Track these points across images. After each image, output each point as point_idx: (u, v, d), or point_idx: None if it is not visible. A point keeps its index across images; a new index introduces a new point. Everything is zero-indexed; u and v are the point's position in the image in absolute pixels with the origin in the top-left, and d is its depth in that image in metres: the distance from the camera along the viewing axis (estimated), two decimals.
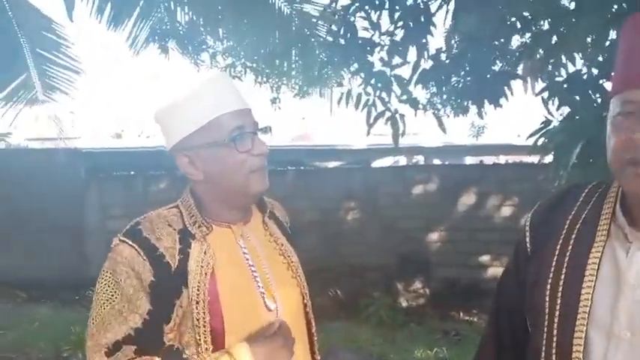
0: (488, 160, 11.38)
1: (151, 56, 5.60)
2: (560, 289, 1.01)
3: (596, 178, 1.12)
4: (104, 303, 1.12)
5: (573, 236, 1.04)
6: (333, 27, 3.14)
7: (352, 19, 2.89)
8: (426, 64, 2.75)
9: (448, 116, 3.57)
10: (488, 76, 2.84)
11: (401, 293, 6.36)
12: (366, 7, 2.86)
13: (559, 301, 1.00)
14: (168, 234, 1.14)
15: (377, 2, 2.79)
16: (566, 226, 1.06)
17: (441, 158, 11.41)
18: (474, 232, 6.61)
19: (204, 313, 1.11)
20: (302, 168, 7.65)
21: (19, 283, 5.95)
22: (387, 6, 2.89)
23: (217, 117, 1.13)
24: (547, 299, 1.02)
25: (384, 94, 2.91)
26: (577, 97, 2.43)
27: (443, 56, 2.75)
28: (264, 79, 6.21)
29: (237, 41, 5.08)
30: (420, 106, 2.87)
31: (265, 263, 1.22)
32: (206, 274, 1.12)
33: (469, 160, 12.44)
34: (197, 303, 1.11)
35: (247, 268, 1.19)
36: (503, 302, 1.19)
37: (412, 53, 2.83)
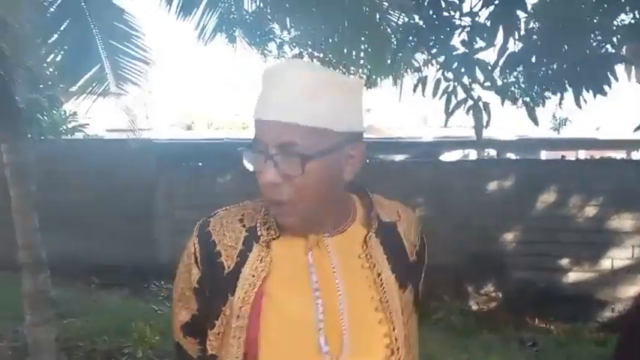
0: (569, 155, 10.67)
1: (221, 49, 5.56)
2: None
3: None
4: (175, 285, 1.10)
5: None
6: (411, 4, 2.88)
7: None
8: (515, 47, 2.45)
9: (531, 105, 3.24)
10: (589, 59, 2.49)
11: (471, 296, 6.03)
12: None
13: None
14: (235, 231, 1.00)
15: None
16: None
17: (515, 152, 10.83)
18: (552, 232, 6.17)
19: (240, 330, 0.94)
20: (366, 162, 7.43)
21: (93, 269, 6.16)
22: None
23: (257, 119, 0.93)
24: None
25: (465, 80, 2.63)
26: None
27: (534, 37, 2.43)
28: (332, 68, 6.04)
29: (305, 30, 4.93)
30: (509, 94, 2.57)
31: (342, 291, 0.95)
32: (254, 285, 0.94)
33: (545, 154, 11.74)
34: (237, 317, 0.94)
35: (310, 291, 0.95)
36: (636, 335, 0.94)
37: (498, 35, 2.54)
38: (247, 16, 4.83)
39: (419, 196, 6.39)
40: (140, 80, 4.85)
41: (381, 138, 10.31)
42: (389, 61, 3.18)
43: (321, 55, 5.74)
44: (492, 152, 11.43)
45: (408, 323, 1.01)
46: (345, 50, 4.48)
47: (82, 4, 4.32)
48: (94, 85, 4.78)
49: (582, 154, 11.93)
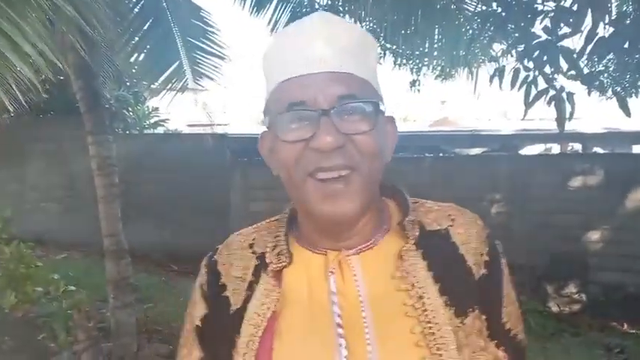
0: None
1: None
2: None
3: None
4: (184, 327, 0.89)
5: None
6: None
7: None
8: (605, 32, 2.26)
9: (622, 95, 2.98)
10: None
11: (551, 297, 5.72)
12: None
13: None
14: (244, 259, 0.83)
15: None
16: None
17: (603, 146, 10.11)
18: None
19: None
20: (440, 155, 7.24)
21: (171, 257, 6.47)
22: None
23: (281, 83, 0.75)
24: None
25: (546, 69, 2.47)
26: None
27: (628, 20, 2.23)
28: (404, 60, 5.92)
29: (378, 21, 4.86)
30: (597, 84, 2.38)
31: (371, 326, 0.74)
32: (258, 327, 0.76)
33: (638, 148, 10.86)
34: None
35: (331, 325, 0.74)
36: None
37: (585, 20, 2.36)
38: (319, 10, 4.83)
39: (496, 191, 6.14)
40: (216, 75, 5.01)
41: (456, 130, 9.97)
42: (463, 52, 3.04)
43: (394, 46, 5.64)
44: (577, 146, 10.75)
45: None
46: (419, 41, 4.38)
47: (164, 3, 4.51)
48: (173, 81, 4.99)
49: None
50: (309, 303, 0.77)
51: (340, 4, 4.49)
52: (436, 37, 3.85)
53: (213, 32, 4.74)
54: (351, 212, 0.73)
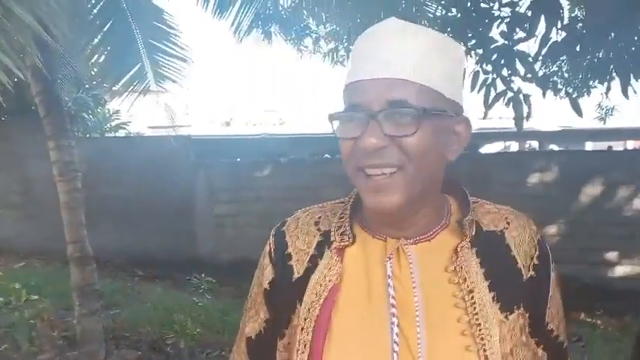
0: (615, 145, 10.28)
1: (257, 45, 5.61)
2: None
3: None
4: (250, 290, 0.97)
5: None
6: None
7: None
8: (558, 36, 2.37)
9: (574, 96, 3.13)
10: (638, 45, 2.39)
11: None
12: None
13: None
14: (309, 234, 0.90)
15: None
16: None
17: (558, 143, 10.51)
18: (598, 225, 5.98)
19: (304, 345, 0.82)
20: None
21: (136, 262, 6.37)
22: None
23: (350, 83, 0.81)
24: None
25: (504, 72, 2.57)
26: None
27: (579, 25, 2.35)
28: None
29: (341, 24, 4.92)
30: (550, 86, 2.49)
31: (422, 310, 0.81)
32: (320, 296, 0.83)
33: (590, 145, 11.34)
34: (302, 330, 0.83)
35: (385, 305, 0.81)
36: None
37: (538, 25, 2.47)
38: (283, 12, 4.85)
39: None
40: (179, 78, 4.96)
41: None
42: None
43: None
44: (534, 144, 11.13)
45: (513, 357, 0.81)
46: None
47: (124, 5, 4.43)
48: (135, 83, 4.90)
49: (630, 144, 11.46)
50: (366, 282, 0.83)
51: (304, 6, 4.51)
52: None
53: (175, 34, 4.69)
54: (393, 206, 0.78)
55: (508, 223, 0.88)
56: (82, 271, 3.40)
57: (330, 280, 0.84)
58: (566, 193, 6.08)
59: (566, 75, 3.21)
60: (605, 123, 8.21)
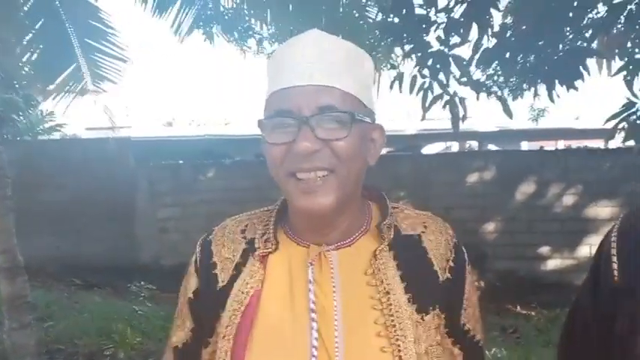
0: (548, 145, 10.81)
1: (200, 45, 5.52)
2: None
3: None
4: (179, 298, 0.97)
5: None
6: (384, 4, 2.91)
7: None
8: (489, 43, 2.48)
9: (505, 99, 3.28)
10: (561, 53, 2.54)
11: None
12: None
13: None
14: (235, 242, 0.92)
15: None
16: None
17: (496, 143, 10.94)
18: (532, 222, 6.29)
19: (225, 353, 0.84)
20: None
21: (73, 270, 6.10)
22: None
23: (275, 92, 0.83)
24: None
25: (441, 76, 2.66)
26: None
27: (508, 33, 2.46)
28: None
29: (283, 26, 4.92)
30: (484, 89, 2.60)
31: (340, 313, 0.83)
32: (241, 303, 0.85)
33: (525, 145, 11.89)
34: (223, 337, 0.85)
35: (306, 309, 0.83)
36: (577, 340, 0.90)
37: (473, 31, 2.57)
38: (225, 13, 4.79)
39: (400, 189, 6.44)
40: (117, 78, 4.81)
41: None
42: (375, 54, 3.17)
43: None
44: (474, 144, 11.53)
45: (428, 356, 0.83)
46: None
47: (57, 2, 4.25)
48: (70, 84, 4.72)
49: (562, 144, 12.09)
50: (288, 288, 0.86)
51: (245, 7, 4.48)
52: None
53: (113, 34, 4.55)
54: (325, 207, 0.81)
55: (425, 227, 0.91)
56: (12, 282, 3.22)
57: (251, 287, 0.85)
58: (502, 191, 6.35)
59: (499, 79, 3.35)
60: (537, 124, 8.62)
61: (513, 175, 6.34)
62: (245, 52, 6.16)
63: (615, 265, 0.80)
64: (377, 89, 4.16)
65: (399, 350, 0.81)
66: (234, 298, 0.86)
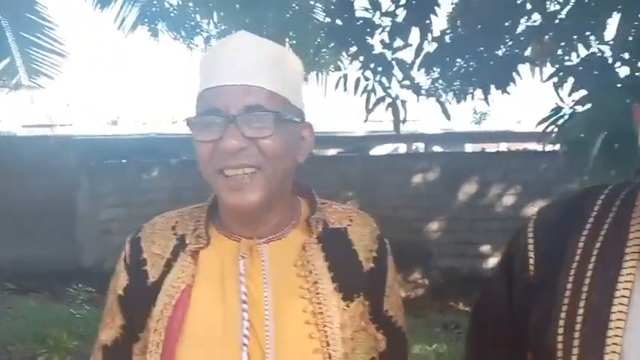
0: (490, 147, 11.21)
1: (146, 41, 5.39)
2: (578, 334, 0.74)
3: (624, 176, 0.87)
4: (108, 296, 0.98)
5: (592, 261, 0.76)
6: (331, 7, 2.94)
7: None
8: (430, 47, 2.56)
9: (450, 102, 3.40)
10: (495, 59, 2.65)
11: (400, 284, 6.25)
12: None
13: (576, 351, 0.73)
14: (165, 239, 0.93)
15: None
16: (580, 247, 0.78)
17: (442, 145, 11.24)
18: (474, 221, 6.51)
19: (157, 345, 0.86)
20: None
21: (9, 274, 5.81)
22: None
23: (204, 91, 0.86)
24: (561, 346, 0.75)
25: (384, 79, 2.72)
26: (593, 81, 2.24)
27: (447, 38, 2.55)
28: None
29: (232, 24, 4.88)
30: (423, 92, 2.68)
31: (271, 303, 0.87)
32: (172, 297, 0.87)
33: (470, 147, 12.29)
34: (154, 331, 0.87)
35: (238, 301, 0.86)
36: (488, 334, 0.93)
37: (415, 35, 2.64)
38: (170, 10, 4.70)
39: (348, 189, 6.53)
40: (55, 73, 4.64)
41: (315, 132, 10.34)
42: (314, 58, 3.21)
43: None
44: (421, 146, 11.78)
45: (353, 341, 0.89)
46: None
47: None
48: (4, 78, 4.53)
49: (504, 146, 12.55)
50: (220, 282, 0.88)
51: (191, 5, 4.41)
52: (288, 41, 3.98)
53: (50, 27, 4.38)
54: (253, 204, 0.84)
55: (351, 220, 0.97)
56: None
57: (183, 282, 0.88)
58: (446, 191, 6.54)
59: (442, 82, 3.45)
60: (480, 126, 8.91)
61: (456, 176, 6.55)
62: (192, 50, 6.07)
63: (532, 260, 0.82)
64: (324, 90, 4.21)
65: (326, 336, 0.85)
66: (166, 293, 0.88)
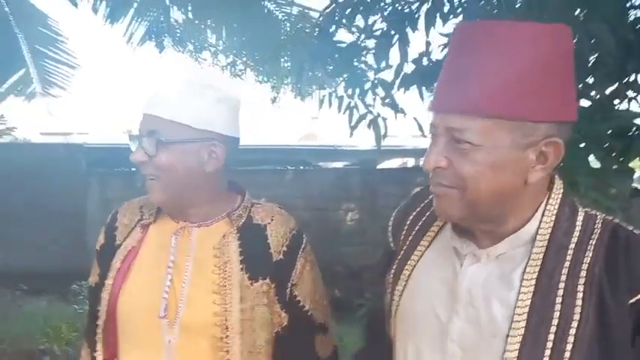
0: None
1: (156, 53, 5.59)
2: (391, 286, 1.04)
3: None
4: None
5: (408, 242, 1.05)
6: (311, 29, 3.10)
7: (336, 18, 2.85)
8: (408, 68, 2.71)
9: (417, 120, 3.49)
10: None
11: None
12: (348, 10, 2.82)
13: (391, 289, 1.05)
14: (134, 214, 1.26)
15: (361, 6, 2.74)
16: (404, 231, 1.07)
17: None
18: None
19: (109, 287, 1.19)
20: (301, 168, 7.67)
21: (22, 276, 6.00)
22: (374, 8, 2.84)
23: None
24: (391, 288, 1.05)
25: (367, 97, 2.87)
26: None
27: (425, 60, 2.70)
28: (264, 78, 6.17)
29: (237, 40, 5.07)
30: (399, 110, 2.83)
31: (190, 272, 1.17)
32: (123, 255, 1.21)
33: None
34: (108, 277, 1.20)
35: (166, 266, 1.18)
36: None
37: (396, 55, 2.79)
38: (177, 26, 4.91)
39: (350, 201, 6.71)
40: (67, 84, 4.87)
41: (319, 145, 10.52)
42: (308, 75, 3.36)
43: (254, 64, 5.86)
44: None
45: (252, 312, 1.15)
46: (272, 63, 4.67)
47: (6, 8, 4.30)
48: (19, 88, 4.75)
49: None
50: (158, 249, 1.21)
51: (196, 22, 4.61)
52: (283, 59, 4.16)
53: (62, 41, 4.62)
54: (158, 202, 1.18)
55: (272, 219, 1.24)
56: None
57: (131, 245, 1.22)
58: None
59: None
60: None
61: None
62: (200, 64, 6.26)
63: (390, 235, 1.12)
64: (319, 106, 4.35)
65: (225, 303, 1.14)
66: (121, 251, 1.22)
